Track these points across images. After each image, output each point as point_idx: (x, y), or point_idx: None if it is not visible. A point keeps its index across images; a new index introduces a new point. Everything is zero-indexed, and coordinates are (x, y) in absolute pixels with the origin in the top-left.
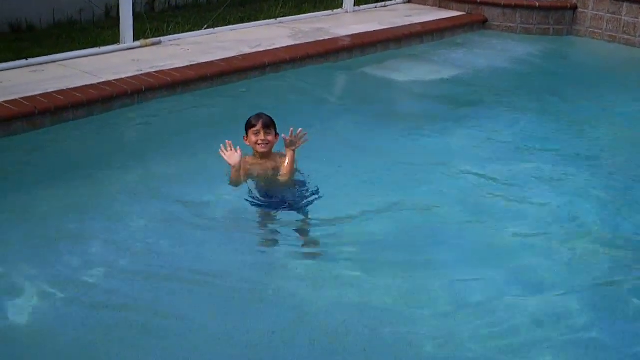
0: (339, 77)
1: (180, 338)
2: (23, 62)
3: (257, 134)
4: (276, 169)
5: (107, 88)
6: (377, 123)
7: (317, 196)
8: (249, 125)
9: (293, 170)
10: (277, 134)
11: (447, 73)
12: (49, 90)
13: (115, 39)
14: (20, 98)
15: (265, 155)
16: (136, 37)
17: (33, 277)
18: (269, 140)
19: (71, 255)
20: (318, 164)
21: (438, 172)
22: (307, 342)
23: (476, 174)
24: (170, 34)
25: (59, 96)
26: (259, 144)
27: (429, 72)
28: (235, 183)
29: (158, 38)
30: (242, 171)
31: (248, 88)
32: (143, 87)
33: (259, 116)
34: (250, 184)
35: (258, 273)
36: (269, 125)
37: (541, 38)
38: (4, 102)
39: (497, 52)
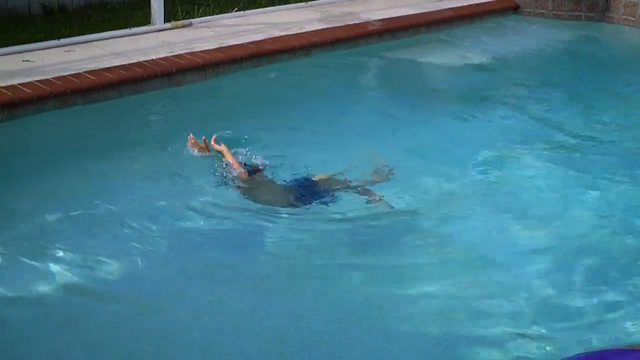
0: (368, 61)
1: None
2: (55, 42)
3: None
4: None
5: (137, 69)
6: (405, 108)
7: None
8: None
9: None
10: None
11: (477, 58)
12: (80, 71)
13: (146, 20)
14: (52, 78)
15: None
16: (167, 19)
17: (60, 257)
18: None
19: (97, 235)
20: (343, 148)
21: (463, 157)
22: (328, 320)
23: (503, 161)
24: (200, 16)
25: (90, 76)
26: None
27: (459, 57)
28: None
29: (189, 20)
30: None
31: (277, 72)
32: (173, 69)
33: None
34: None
35: (284, 255)
36: None
37: (573, 25)
38: (36, 81)
39: (528, 38)
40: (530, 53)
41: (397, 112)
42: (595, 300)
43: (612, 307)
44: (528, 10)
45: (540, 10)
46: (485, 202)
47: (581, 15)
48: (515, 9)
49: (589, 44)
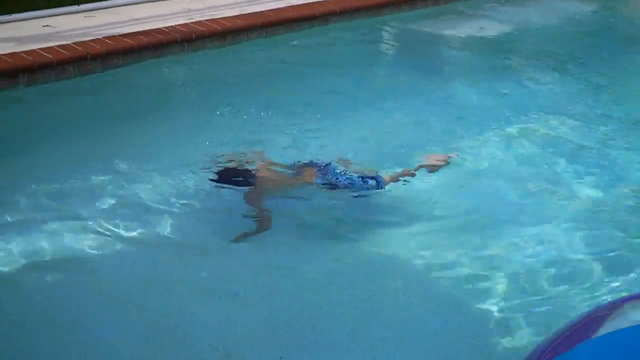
0: (386, 31)
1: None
2: (75, 7)
3: None
4: None
5: (157, 35)
6: (421, 78)
7: None
8: None
9: None
10: None
11: (494, 29)
12: (100, 36)
13: None
14: (73, 43)
15: None
16: None
17: (74, 220)
18: None
19: (112, 200)
20: (360, 115)
21: (476, 128)
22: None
23: (514, 133)
24: None
25: (110, 42)
26: None
27: (477, 28)
28: None
29: None
30: None
31: (296, 40)
32: (193, 35)
33: None
34: None
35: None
36: None
37: None
38: (56, 46)
39: (547, 9)
40: (548, 25)
41: (413, 84)
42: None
43: None
44: None
45: None
46: (502, 173)
47: None
48: None
49: (609, 14)
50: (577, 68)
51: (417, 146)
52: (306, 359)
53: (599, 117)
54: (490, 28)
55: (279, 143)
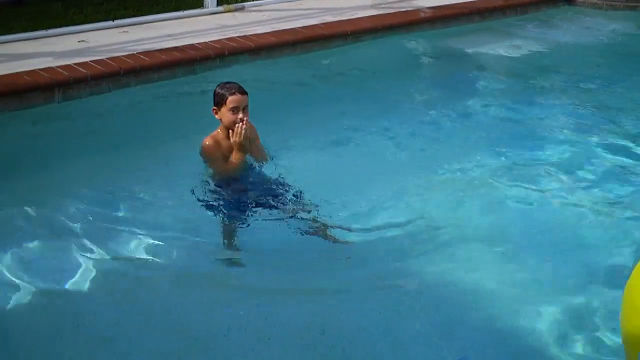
0: (419, 49)
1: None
2: (109, 23)
3: (235, 111)
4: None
5: (190, 51)
6: (455, 97)
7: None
8: (225, 99)
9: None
10: None
11: (528, 49)
12: (134, 52)
13: (199, 3)
14: (107, 58)
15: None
16: (220, 2)
17: (97, 240)
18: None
19: (135, 218)
20: (390, 135)
21: (513, 149)
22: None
23: (550, 154)
24: (253, 0)
25: (144, 57)
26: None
27: (511, 47)
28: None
29: (241, 4)
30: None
31: (329, 57)
32: (226, 52)
33: (240, 90)
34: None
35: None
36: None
37: (629, 15)
38: (91, 61)
39: (581, 29)
40: (583, 44)
41: (444, 102)
42: None
43: None
44: (582, 0)
45: (594, 1)
46: (534, 195)
47: (637, 5)
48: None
49: None
50: (611, 87)
51: (443, 166)
52: None
53: (634, 138)
54: (525, 47)
55: (305, 162)
